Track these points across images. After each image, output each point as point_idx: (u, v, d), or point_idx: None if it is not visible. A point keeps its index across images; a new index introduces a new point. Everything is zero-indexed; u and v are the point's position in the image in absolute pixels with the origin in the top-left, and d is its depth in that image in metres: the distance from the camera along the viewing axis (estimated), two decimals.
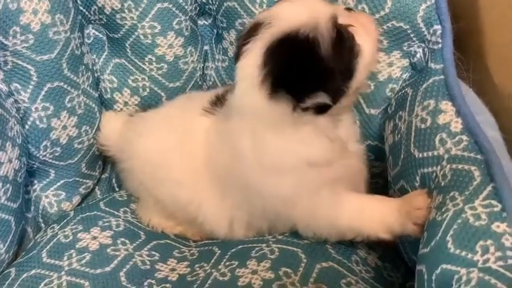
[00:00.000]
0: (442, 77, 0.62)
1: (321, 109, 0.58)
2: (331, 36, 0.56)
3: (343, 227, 0.61)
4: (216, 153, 0.66)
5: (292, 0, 0.60)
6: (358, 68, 0.59)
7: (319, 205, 0.61)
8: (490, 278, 0.43)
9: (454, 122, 0.58)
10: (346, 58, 0.59)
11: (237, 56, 0.60)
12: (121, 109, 0.84)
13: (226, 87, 0.74)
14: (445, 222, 0.51)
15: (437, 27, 0.64)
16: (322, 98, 0.56)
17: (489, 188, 0.50)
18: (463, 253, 0.46)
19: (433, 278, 0.48)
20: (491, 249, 0.45)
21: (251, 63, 0.57)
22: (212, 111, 0.69)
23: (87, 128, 0.79)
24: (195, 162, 0.68)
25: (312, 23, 0.56)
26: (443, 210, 0.52)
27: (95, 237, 0.70)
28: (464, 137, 0.56)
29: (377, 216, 0.60)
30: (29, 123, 0.72)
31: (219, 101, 0.69)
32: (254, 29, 0.58)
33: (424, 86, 0.63)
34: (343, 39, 0.58)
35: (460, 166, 0.55)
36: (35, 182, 0.78)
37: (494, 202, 0.49)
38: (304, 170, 0.60)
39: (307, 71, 0.56)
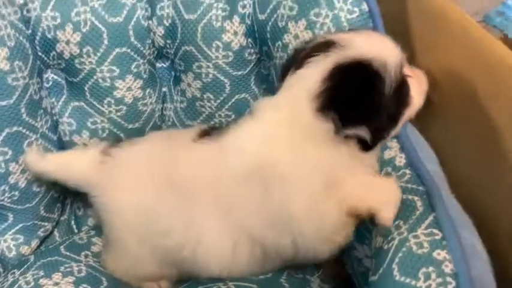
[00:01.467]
0: None
1: (363, 144, 0.60)
2: (396, 80, 0.60)
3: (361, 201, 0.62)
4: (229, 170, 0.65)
5: (370, 34, 0.64)
6: (403, 117, 0.64)
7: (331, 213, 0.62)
8: None
9: (398, 157, 0.65)
10: (400, 105, 0.63)
11: (297, 63, 0.62)
12: None
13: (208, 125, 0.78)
14: (391, 251, 0.57)
15: None
16: (363, 133, 0.59)
17: (431, 217, 0.56)
18: (407, 280, 0.52)
19: None
20: (433, 275, 0.51)
21: (314, 75, 0.60)
22: (205, 141, 0.69)
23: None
24: (187, 201, 0.67)
25: (384, 61, 0.59)
26: (389, 238, 0.58)
27: (56, 283, 0.71)
28: (408, 171, 0.63)
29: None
30: None
31: (207, 134, 0.70)
32: (325, 46, 0.61)
33: None
34: (403, 86, 0.62)
35: (404, 196, 0.60)
36: None
37: (435, 231, 0.54)
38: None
39: (363, 101, 0.59)
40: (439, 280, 0.49)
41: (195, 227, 0.67)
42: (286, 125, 0.62)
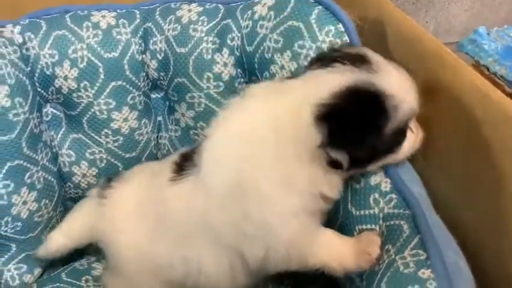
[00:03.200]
0: None
1: (333, 164, 0.59)
2: (400, 124, 0.58)
3: (313, 258, 0.63)
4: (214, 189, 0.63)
5: (403, 74, 0.60)
6: (384, 161, 0.63)
7: (304, 233, 0.62)
8: None
9: (383, 183, 0.66)
10: (388, 148, 0.62)
11: (320, 62, 0.61)
12: (79, 181, 0.87)
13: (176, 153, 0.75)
14: (381, 272, 0.58)
15: None
16: (342, 158, 0.58)
17: (416, 239, 0.57)
18: None
19: None
20: None
21: (331, 82, 0.57)
22: (182, 177, 0.67)
23: (47, 201, 0.82)
24: (180, 236, 0.67)
25: (399, 103, 0.57)
26: (380, 262, 0.60)
27: None
28: (394, 195, 0.64)
29: (338, 252, 0.63)
30: None
31: (180, 166, 0.69)
32: (358, 59, 0.59)
33: None
34: (401, 133, 0.61)
35: (392, 222, 0.62)
36: None
37: (420, 251, 0.56)
38: (311, 196, 0.61)
39: (359, 130, 0.56)
40: None
41: (194, 258, 0.67)
42: (278, 118, 0.59)
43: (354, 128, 0.56)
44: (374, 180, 0.66)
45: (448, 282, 0.52)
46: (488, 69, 0.57)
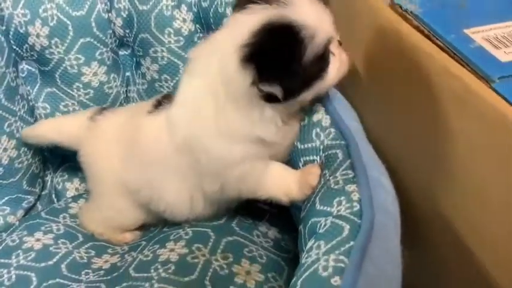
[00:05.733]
0: None
1: (269, 99, 0.62)
2: (318, 51, 0.61)
3: (261, 191, 0.69)
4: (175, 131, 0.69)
5: (315, 3, 0.63)
6: (314, 87, 0.65)
7: (252, 172, 0.68)
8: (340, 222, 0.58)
9: (324, 119, 0.71)
10: (314, 75, 0.64)
11: (239, 6, 0.63)
12: None
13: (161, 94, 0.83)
14: (315, 192, 0.66)
15: None
16: (276, 90, 0.61)
17: (347, 163, 0.63)
18: (325, 208, 0.60)
19: (306, 231, 0.62)
20: (343, 202, 0.59)
21: (248, 23, 0.60)
22: (157, 111, 0.74)
23: (26, 149, 0.88)
24: (147, 166, 0.74)
25: (314, 31, 0.60)
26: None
27: (38, 239, 0.80)
28: (332, 129, 0.69)
29: (284, 183, 0.69)
30: None
31: (160, 103, 0.75)
32: None
33: None
34: (323, 59, 0.63)
35: (330, 152, 0.68)
36: None
37: (349, 171, 0.62)
38: (252, 143, 0.66)
39: (282, 62, 0.59)
40: (348, 205, 0.57)
41: (157, 187, 0.75)
42: (211, 79, 0.64)
43: (277, 60, 0.60)
44: (316, 117, 0.72)
45: (368, 191, 0.59)
46: (401, 7, 0.64)
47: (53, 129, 0.87)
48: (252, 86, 0.61)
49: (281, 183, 0.69)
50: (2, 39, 0.85)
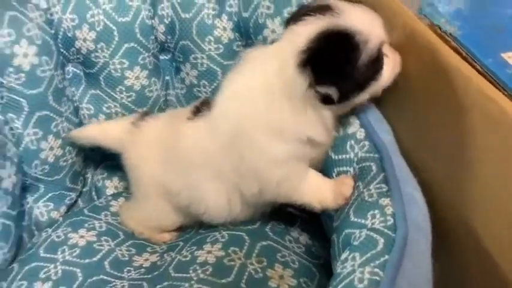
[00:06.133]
0: None
1: (326, 100, 0.66)
2: (372, 56, 0.65)
3: (297, 196, 0.72)
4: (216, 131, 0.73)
5: (364, 11, 0.68)
6: (369, 88, 0.69)
7: (291, 177, 0.71)
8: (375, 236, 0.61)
9: (359, 132, 0.73)
10: (369, 77, 0.67)
11: (294, 19, 0.68)
12: None
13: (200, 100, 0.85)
14: (350, 203, 0.68)
15: None
16: (332, 92, 0.65)
17: (381, 176, 0.66)
18: (359, 220, 0.63)
19: (340, 241, 0.65)
20: (377, 216, 0.61)
21: (304, 33, 0.64)
22: (197, 117, 0.78)
23: (70, 148, 0.93)
24: (188, 169, 0.77)
25: (368, 35, 0.64)
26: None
27: (82, 236, 0.84)
28: (366, 142, 0.72)
29: (320, 191, 0.71)
30: (22, 145, 0.86)
31: (199, 110, 0.79)
32: (322, 9, 0.66)
33: None
34: (377, 63, 0.67)
35: (364, 164, 0.70)
36: (28, 196, 0.91)
37: (383, 185, 0.65)
38: (299, 143, 0.69)
39: (338, 66, 0.64)
40: (382, 219, 0.60)
41: (197, 189, 0.78)
42: (268, 78, 0.68)
43: (333, 64, 0.64)
44: (351, 130, 0.74)
45: (401, 206, 0.61)
46: (440, 28, 0.66)
47: (99, 133, 0.92)
48: (310, 89, 0.65)
49: (316, 190, 0.72)
50: (51, 42, 0.89)
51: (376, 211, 0.62)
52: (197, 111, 0.79)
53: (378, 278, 0.53)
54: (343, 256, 0.60)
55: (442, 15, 0.66)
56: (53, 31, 0.90)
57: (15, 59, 0.83)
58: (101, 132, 0.92)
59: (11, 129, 0.85)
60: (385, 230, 0.59)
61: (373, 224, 0.61)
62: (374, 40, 0.65)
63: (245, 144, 0.70)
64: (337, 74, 0.65)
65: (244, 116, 0.70)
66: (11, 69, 0.83)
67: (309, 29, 0.65)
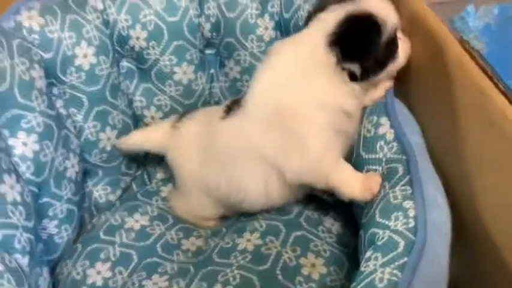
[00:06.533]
0: (383, 100, 0.82)
1: (351, 77, 0.76)
2: (390, 35, 0.76)
3: (330, 180, 0.78)
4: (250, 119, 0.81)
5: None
6: (388, 67, 0.79)
7: (330, 148, 0.78)
8: (396, 238, 0.66)
9: (388, 133, 0.77)
10: (388, 55, 0.78)
11: (321, 9, 0.78)
12: (149, 122, 1.06)
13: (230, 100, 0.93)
14: (377, 201, 0.71)
15: None
16: (355, 68, 0.75)
17: (406, 178, 0.70)
18: (383, 221, 0.67)
19: (366, 238, 0.71)
20: (400, 218, 0.65)
21: (331, 18, 0.75)
22: (229, 114, 0.86)
23: (125, 138, 1.02)
24: (226, 163, 0.85)
25: (385, 18, 0.75)
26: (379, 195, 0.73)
27: (137, 221, 0.93)
28: (395, 143, 0.76)
29: (350, 181, 0.77)
30: (83, 137, 0.95)
31: (230, 109, 0.86)
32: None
33: (371, 105, 0.83)
34: (394, 43, 0.78)
35: (391, 165, 0.74)
36: (88, 180, 1.00)
37: (408, 187, 0.68)
38: (336, 112, 0.78)
39: (362, 45, 0.75)
40: (404, 221, 0.64)
41: (236, 180, 0.85)
42: (302, 58, 0.77)
43: (357, 44, 0.75)
44: (381, 130, 0.78)
45: (423, 210, 0.65)
46: (468, 43, 0.69)
47: (142, 139, 1.00)
48: (337, 65, 0.75)
49: (348, 179, 0.78)
50: (108, 42, 0.97)
51: (400, 213, 0.66)
52: (229, 110, 0.86)
53: (396, 278, 0.59)
54: (367, 254, 0.66)
55: (472, 30, 0.69)
56: (108, 31, 0.97)
57: (76, 59, 0.91)
58: (144, 138, 1.00)
59: (73, 122, 0.94)
60: (406, 233, 0.64)
61: (396, 225, 0.66)
62: (390, 23, 0.75)
63: (289, 120, 0.78)
64: (360, 51, 0.75)
65: (285, 96, 0.79)
66: (72, 69, 0.91)
67: (335, 15, 0.75)
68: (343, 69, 0.75)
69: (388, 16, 0.76)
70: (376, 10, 0.75)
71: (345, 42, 0.75)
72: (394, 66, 0.80)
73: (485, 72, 0.65)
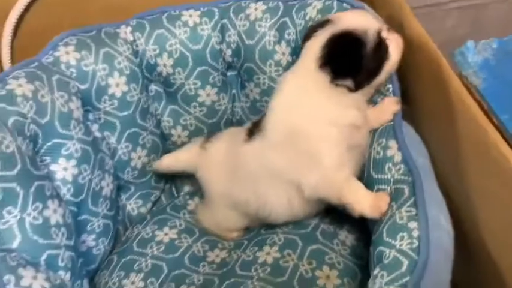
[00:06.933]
0: (391, 123, 0.86)
1: (349, 89, 0.82)
2: (374, 42, 0.80)
3: (342, 195, 0.83)
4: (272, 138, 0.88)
5: (355, 12, 0.87)
6: (383, 69, 0.83)
7: (343, 163, 0.83)
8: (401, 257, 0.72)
9: (396, 155, 0.82)
10: (378, 60, 0.82)
11: (307, 38, 0.85)
12: (175, 140, 1.13)
13: (252, 121, 1.00)
14: (384, 221, 0.77)
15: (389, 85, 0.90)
16: (348, 83, 0.81)
17: (412, 200, 0.75)
18: (390, 240, 0.73)
19: (374, 255, 0.76)
20: (405, 238, 0.71)
21: (316, 44, 0.82)
22: (250, 138, 0.92)
23: (154, 156, 1.10)
24: (251, 181, 0.91)
25: (364, 29, 0.80)
26: (386, 214, 0.78)
27: (166, 234, 1.01)
28: (402, 165, 0.80)
29: (360, 197, 0.81)
30: (116, 157, 1.04)
31: (251, 131, 0.93)
32: (324, 23, 0.84)
33: (380, 128, 0.88)
34: (380, 46, 0.82)
35: (398, 186, 0.79)
36: (121, 194, 1.09)
37: (412, 209, 0.74)
38: (344, 127, 0.83)
39: (348, 61, 0.80)
40: (408, 241, 0.70)
41: (262, 196, 0.92)
42: (302, 84, 0.84)
43: (343, 61, 0.81)
44: (390, 152, 0.83)
45: (426, 232, 0.70)
46: (467, 78, 0.74)
47: (174, 161, 1.09)
48: (332, 83, 0.81)
49: (359, 197, 0.83)
50: (137, 70, 1.05)
51: (405, 233, 0.72)
52: (251, 133, 0.94)
53: None
54: (375, 272, 0.72)
55: (471, 66, 0.74)
56: (138, 60, 1.05)
57: (109, 88, 1.00)
58: (176, 160, 1.09)
59: (107, 144, 1.03)
60: (410, 252, 0.70)
61: (401, 245, 0.72)
62: (371, 32, 0.80)
63: (303, 139, 0.85)
64: (347, 68, 0.81)
65: (296, 119, 0.86)
66: (106, 97, 1.00)
67: (318, 41, 0.82)
68: (337, 85, 0.81)
69: (367, 26, 0.81)
70: (354, 24, 0.81)
71: (332, 63, 0.81)
72: (389, 66, 0.84)
73: (481, 107, 0.70)
